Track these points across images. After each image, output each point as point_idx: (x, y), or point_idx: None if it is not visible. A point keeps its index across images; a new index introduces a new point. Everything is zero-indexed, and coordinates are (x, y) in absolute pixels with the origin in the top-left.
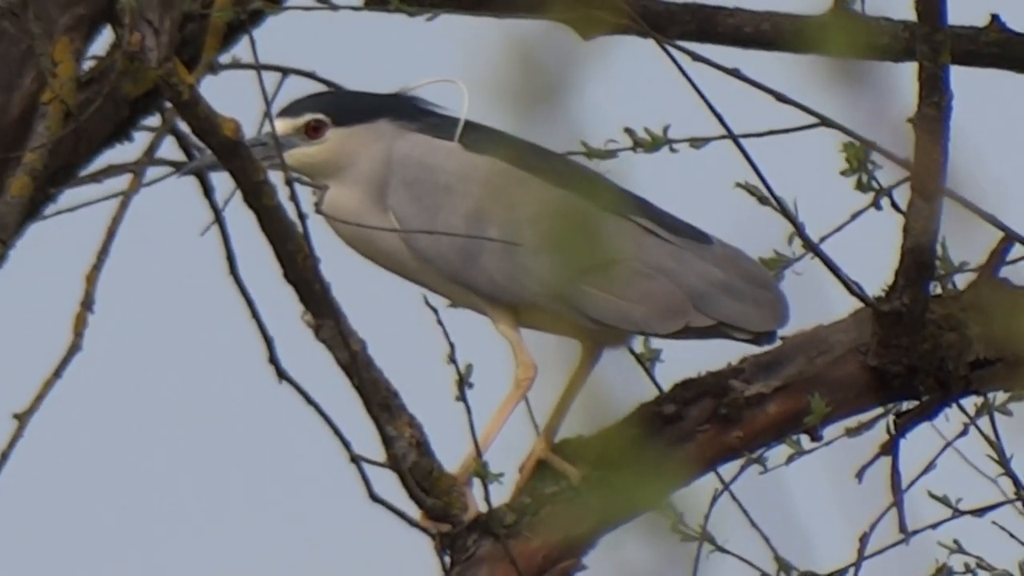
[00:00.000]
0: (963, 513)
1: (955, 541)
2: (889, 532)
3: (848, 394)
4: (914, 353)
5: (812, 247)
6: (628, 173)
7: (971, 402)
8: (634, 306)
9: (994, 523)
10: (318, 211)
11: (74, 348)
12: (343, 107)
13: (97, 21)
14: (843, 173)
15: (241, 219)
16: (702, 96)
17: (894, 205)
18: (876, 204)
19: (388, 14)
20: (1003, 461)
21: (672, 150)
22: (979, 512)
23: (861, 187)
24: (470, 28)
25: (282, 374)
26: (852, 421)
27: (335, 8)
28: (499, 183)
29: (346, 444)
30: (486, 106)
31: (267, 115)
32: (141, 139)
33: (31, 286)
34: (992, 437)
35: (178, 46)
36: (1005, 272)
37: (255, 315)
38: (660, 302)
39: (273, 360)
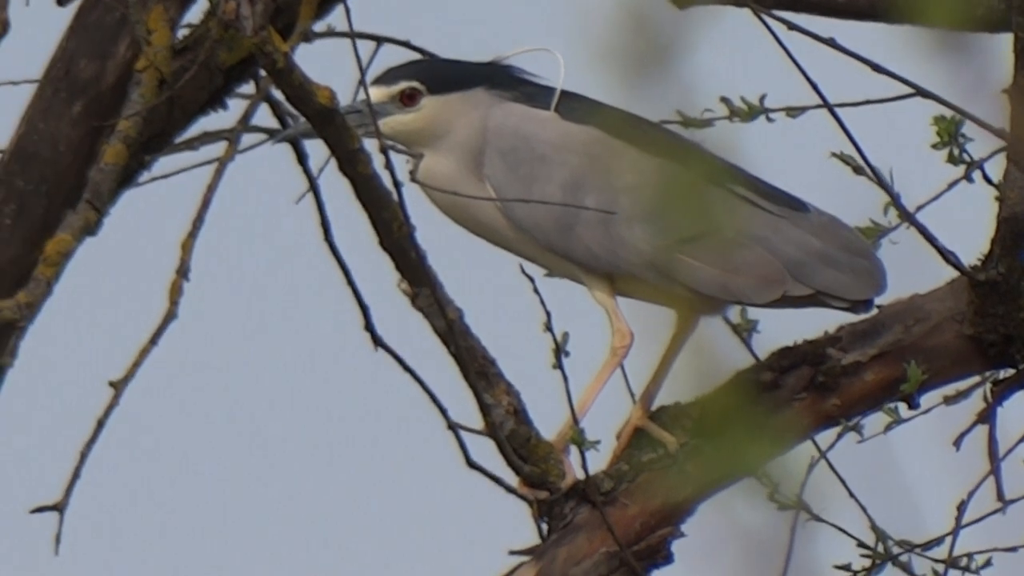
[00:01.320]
0: None
1: None
2: (987, 500)
3: (944, 362)
4: (1010, 322)
5: (908, 216)
6: (725, 142)
7: None
8: (731, 276)
9: None
10: (413, 179)
11: (170, 316)
12: (438, 75)
13: None
14: (934, 146)
15: (336, 187)
16: (798, 65)
17: (986, 178)
18: (968, 177)
19: None
20: None
21: (768, 119)
22: None
23: (952, 160)
24: None
25: (378, 341)
26: (949, 389)
27: None
28: (595, 152)
29: (443, 411)
30: (588, 72)
31: (362, 83)
32: (235, 107)
33: (126, 254)
34: None
35: (272, 14)
36: None
37: (350, 282)
38: (757, 271)
39: (369, 327)
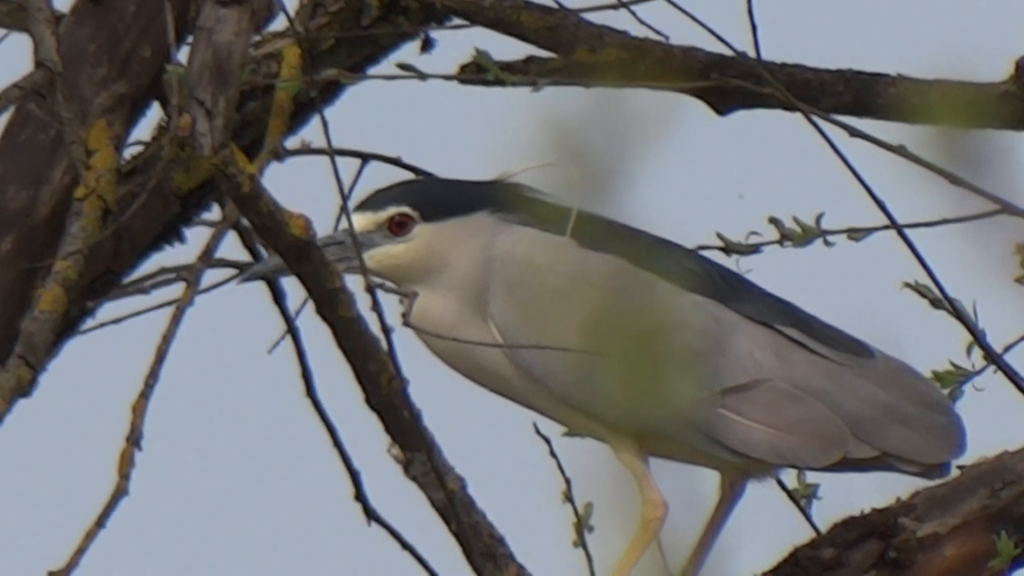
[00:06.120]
0: None
1: None
2: None
3: None
4: None
5: (994, 358)
6: (770, 270)
7: None
8: (783, 435)
9: None
10: (406, 323)
11: (120, 492)
12: (432, 198)
13: (140, 100)
14: (1018, 280)
15: (319, 330)
16: (860, 178)
17: None
18: None
19: (485, 88)
20: None
21: (827, 243)
22: None
23: None
24: (573, 104)
25: (371, 514)
26: None
27: (423, 77)
28: (620, 286)
29: None
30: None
31: (343, 209)
32: (196, 238)
33: (67, 418)
34: None
35: (236, 129)
36: None
37: (338, 444)
38: (813, 430)
39: (360, 497)
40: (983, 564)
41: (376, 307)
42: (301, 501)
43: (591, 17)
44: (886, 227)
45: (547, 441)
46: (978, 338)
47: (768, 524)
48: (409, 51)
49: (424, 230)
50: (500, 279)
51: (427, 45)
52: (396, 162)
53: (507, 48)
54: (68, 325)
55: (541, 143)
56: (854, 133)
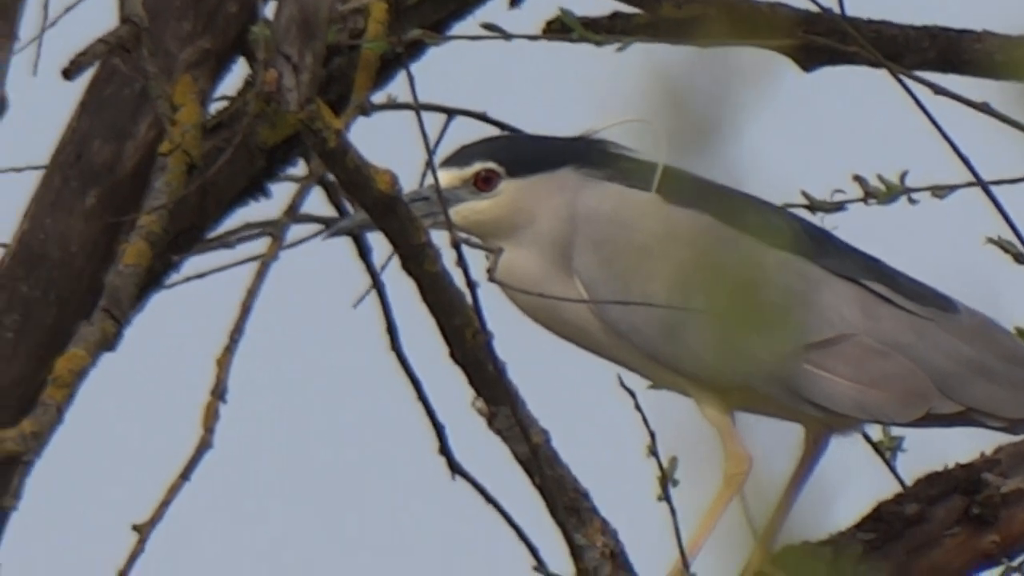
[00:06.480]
0: None
1: None
2: None
3: None
4: None
5: None
6: (855, 228)
7: None
8: (867, 390)
9: None
10: (491, 278)
11: (204, 445)
12: (518, 154)
13: (225, 56)
14: None
15: (404, 285)
16: (945, 136)
17: None
18: None
19: (571, 44)
20: None
21: (911, 200)
22: None
23: None
24: (666, 58)
25: (456, 468)
26: None
27: (508, 37)
28: (706, 242)
29: (534, 552)
30: (665, 145)
31: (429, 164)
32: (281, 193)
33: (151, 372)
34: None
35: (322, 84)
36: None
37: (423, 399)
38: (898, 385)
39: (445, 451)
40: None
41: (461, 262)
42: (386, 455)
43: None
44: (970, 184)
45: (632, 394)
46: None
47: (853, 477)
48: (495, 5)
49: (509, 186)
50: (585, 235)
51: (516, 0)
52: (482, 117)
53: (593, 4)
54: (152, 279)
55: (639, 97)
56: (939, 91)
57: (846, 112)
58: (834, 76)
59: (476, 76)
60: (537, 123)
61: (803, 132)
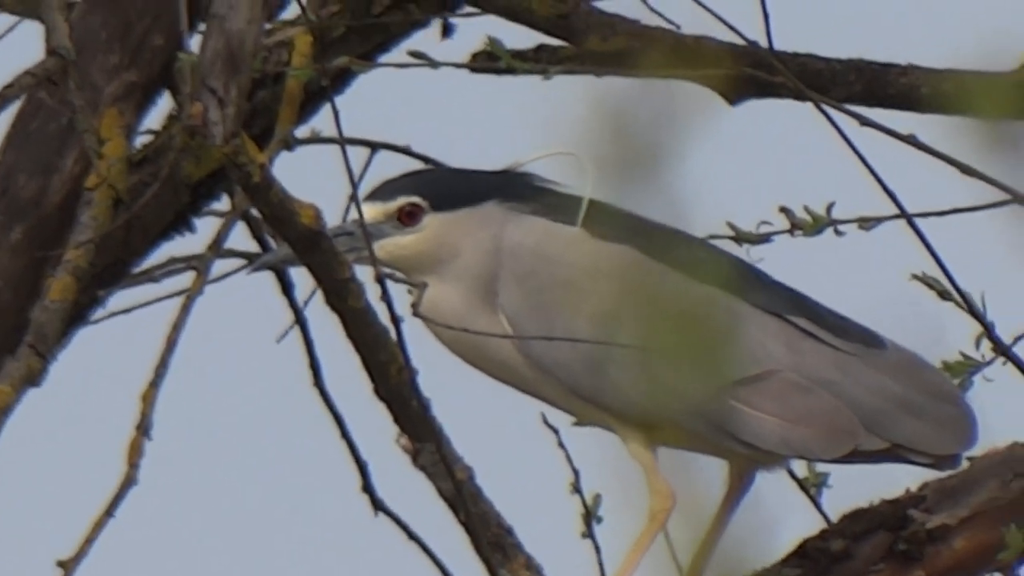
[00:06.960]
0: None
1: None
2: None
3: None
4: None
5: (1004, 350)
6: (781, 260)
7: None
8: (793, 426)
9: None
10: (415, 313)
11: (129, 481)
12: (442, 188)
13: (151, 89)
14: None
15: (327, 320)
16: (870, 168)
17: None
18: None
19: (498, 76)
20: None
21: (837, 232)
22: None
23: None
24: (594, 89)
25: (379, 505)
26: None
27: (435, 65)
28: (631, 277)
29: None
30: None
31: (353, 199)
32: (205, 228)
33: (76, 407)
34: None
35: (246, 118)
36: None
37: (345, 435)
38: (823, 421)
39: (368, 488)
40: (993, 556)
41: (386, 297)
42: (308, 492)
43: (602, 6)
44: (897, 216)
45: (555, 431)
46: (988, 329)
47: (779, 514)
48: (420, 39)
49: (434, 220)
50: (509, 269)
51: (447, 31)
52: (406, 151)
53: (518, 37)
54: (78, 314)
55: (567, 129)
56: (865, 123)
57: (772, 145)
58: (760, 109)
59: (402, 109)
60: (464, 156)
61: (729, 165)
